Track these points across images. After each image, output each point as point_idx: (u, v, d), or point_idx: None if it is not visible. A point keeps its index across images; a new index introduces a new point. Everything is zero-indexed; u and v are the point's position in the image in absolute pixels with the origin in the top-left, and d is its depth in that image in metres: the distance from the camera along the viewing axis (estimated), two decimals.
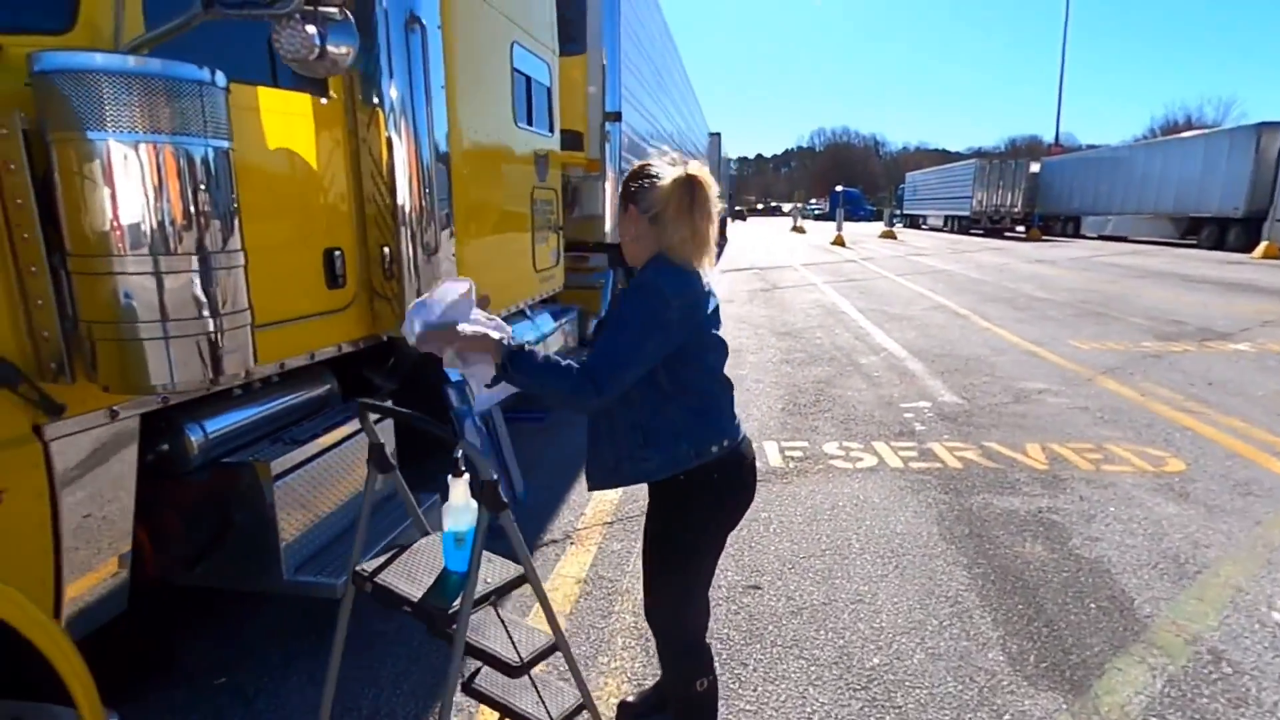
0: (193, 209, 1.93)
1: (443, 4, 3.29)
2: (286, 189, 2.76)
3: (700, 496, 1.93)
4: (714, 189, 1.88)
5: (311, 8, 1.99)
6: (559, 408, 1.87)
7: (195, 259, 1.96)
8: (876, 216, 46.00)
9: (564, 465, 4.73)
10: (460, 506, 1.82)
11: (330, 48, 2.09)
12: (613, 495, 4.22)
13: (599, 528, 3.83)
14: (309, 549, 2.74)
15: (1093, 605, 3.04)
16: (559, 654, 1.95)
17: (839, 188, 58.68)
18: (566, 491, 4.31)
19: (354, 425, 3.05)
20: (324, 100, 2.93)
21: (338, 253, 3.03)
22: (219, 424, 2.65)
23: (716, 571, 2.15)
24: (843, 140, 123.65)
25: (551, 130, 5.11)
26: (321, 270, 2.95)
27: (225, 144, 2.00)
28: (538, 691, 2.09)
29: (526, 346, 1.79)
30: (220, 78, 1.99)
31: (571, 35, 6.63)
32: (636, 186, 1.91)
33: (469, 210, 3.67)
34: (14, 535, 1.87)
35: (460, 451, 1.72)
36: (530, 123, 4.65)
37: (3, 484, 1.82)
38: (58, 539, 1.99)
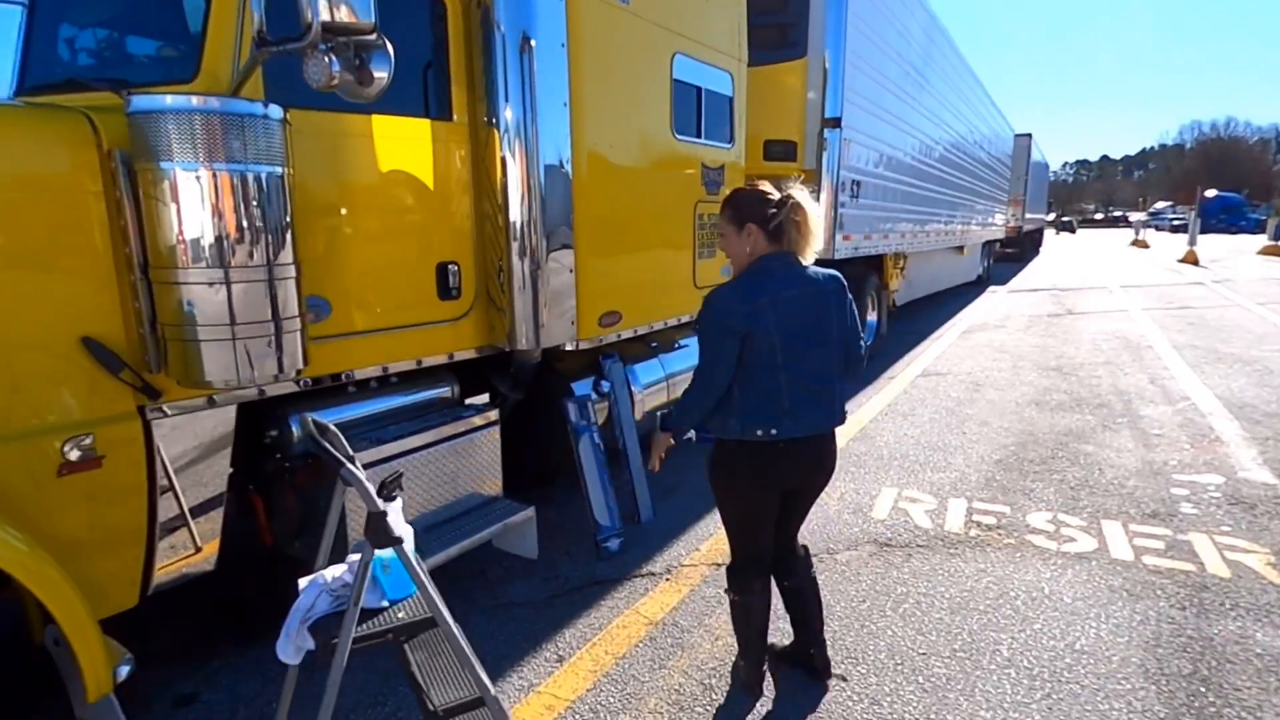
0: (245, 227, 2.17)
1: (571, 22, 3.31)
2: (398, 208, 2.99)
3: (728, 464, 2.39)
4: (815, 209, 2.35)
5: (347, 39, 2.12)
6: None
7: (247, 271, 2.20)
8: (1262, 228, 36.10)
9: (707, 493, 4.46)
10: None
11: (375, 71, 2.21)
12: None
13: (705, 567, 3.53)
14: None
15: None
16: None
17: (1210, 192, 47.42)
18: (695, 523, 4.06)
19: (450, 429, 3.21)
20: (449, 123, 3.13)
21: (452, 267, 3.21)
22: (324, 417, 2.98)
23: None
24: (1228, 134, 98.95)
25: (730, 141, 4.87)
26: (434, 283, 3.15)
27: (277, 169, 2.22)
28: None
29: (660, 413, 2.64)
30: (275, 110, 2.21)
31: (790, 39, 6.30)
32: (755, 205, 2.36)
33: (597, 225, 3.64)
34: (113, 499, 2.27)
35: (363, 475, 1.67)
36: (699, 134, 4.49)
37: (105, 452, 2.24)
38: (152, 505, 2.38)
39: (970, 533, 3.90)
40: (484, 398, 3.93)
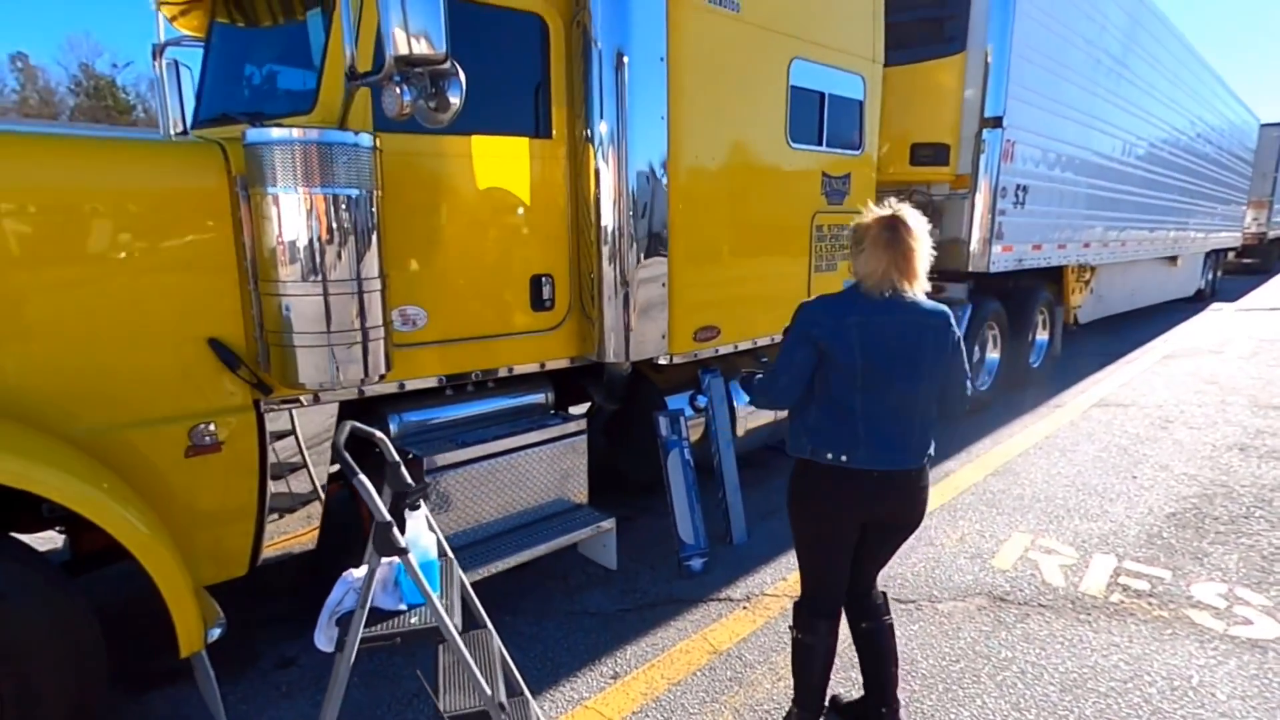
0: (336, 244, 2.40)
1: (672, 35, 3.29)
2: (495, 223, 3.14)
3: (799, 484, 2.32)
4: (920, 225, 2.16)
5: (422, 70, 2.26)
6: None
7: (338, 284, 2.43)
8: None
9: None
10: (411, 540, 1.87)
11: (450, 98, 2.34)
12: None
13: (787, 599, 3.36)
14: (458, 541, 3.08)
15: None
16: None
17: None
18: (789, 549, 3.85)
19: (536, 435, 3.32)
20: (548, 140, 3.24)
21: (547, 279, 3.32)
22: (418, 416, 3.21)
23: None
24: None
25: (860, 147, 4.57)
26: (528, 294, 3.28)
27: (366, 191, 2.42)
28: None
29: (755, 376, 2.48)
30: (365, 139, 2.42)
31: (947, 34, 5.81)
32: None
33: (694, 238, 3.60)
34: (230, 479, 2.61)
35: (368, 482, 1.77)
36: (820, 142, 4.26)
37: (224, 437, 2.58)
38: (262, 487, 2.70)
39: (1111, 597, 3.37)
40: (583, 407, 4.03)
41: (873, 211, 2.20)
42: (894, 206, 2.17)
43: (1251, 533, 4.04)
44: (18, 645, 1.94)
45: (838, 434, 2.17)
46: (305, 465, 2.83)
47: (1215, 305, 14.75)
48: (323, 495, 2.90)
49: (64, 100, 44.01)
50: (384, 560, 1.84)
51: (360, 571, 1.86)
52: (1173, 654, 2.93)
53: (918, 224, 2.15)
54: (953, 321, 2.21)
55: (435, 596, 1.74)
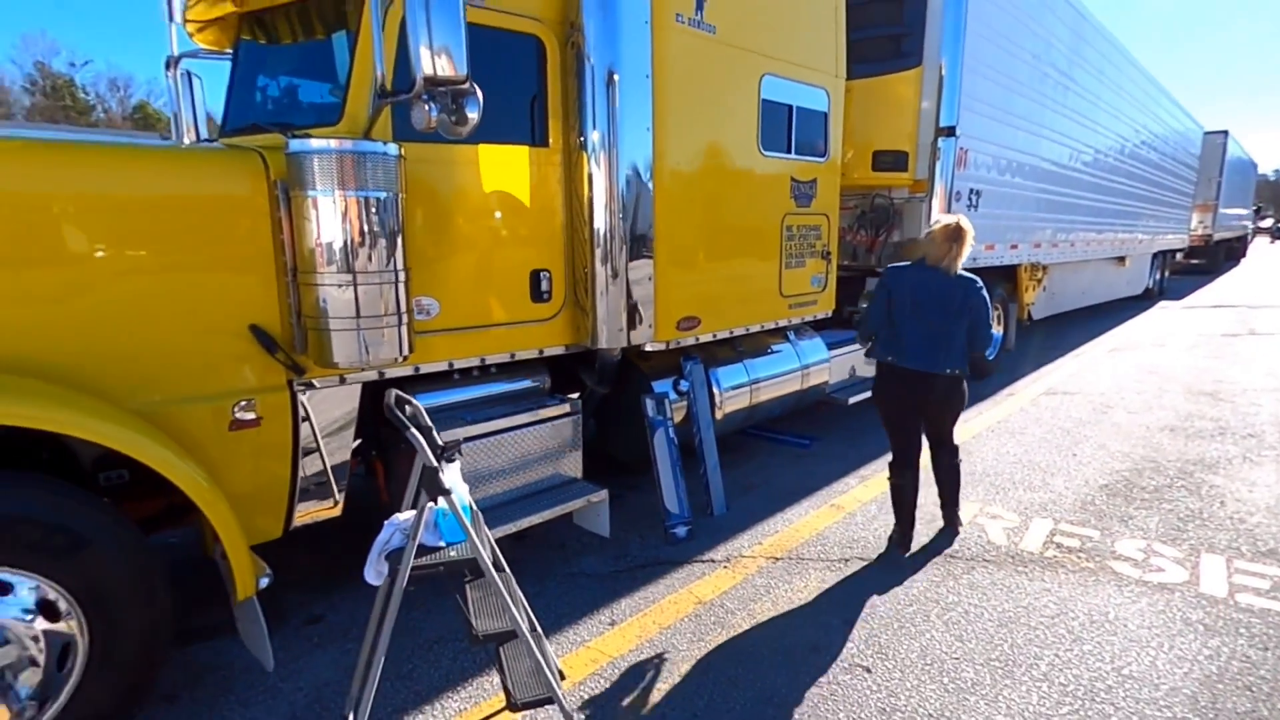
0: (366, 241, 2.74)
1: (656, 55, 3.67)
2: (500, 222, 3.49)
3: (876, 380, 3.93)
4: (970, 232, 3.59)
5: (445, 89, 2.61)
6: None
7: (367, 276, 2.76)
8: None
9: (785, 493, 4.66)
10: (450, 486, 2.21)
11: (468, 113, 2.69)
12: (805, 531, 4.05)
13: (763, 559, 3.76)
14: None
15: None
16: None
17: None
18: (764, 519, 4.28)
19: (534, 415, 3.67)
20: (545, 148, 3.59)
21: (544, 273, 3.68)
22: (430, 398, 3.54)
23: (825, 633, 3.12)
24: None
25: (825, 155, 5.01)
26: (528, 287, 3.63)
27: (392, 194, 2.76)
28: (544, 667, 2.33)
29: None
30: (392, 148, 2.76)
31: (904, 50, 6.29)
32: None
33: (676, 237, 3.98)
34: (266, 452, 2.92)
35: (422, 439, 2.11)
36: (789, 150, 4.69)
37: (263, 414, 2.90)
38: (295, 459, 3.01)
39: (1046, 553, 3.82)
40: (575, 393, 4.38)
41: (945, 218, 3.63)
42: (959, 217, 3.60)
43: (1172, 499, 4.54)
44: (105, 587, 2.24)
45: (892, 345, 3.70)
46: (319, 448, 3.12)
47: (1162, 303, 15.57)
48: (347, 468, 3.22)
49: (18, 100, 43.05)
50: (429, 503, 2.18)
51: (405, 515, 2.20)
52: (1095, 596, 3.38)
53: (969, 230, 3.56)
54: (979, 285, 3.57)
55: (475, 534, 2.09)
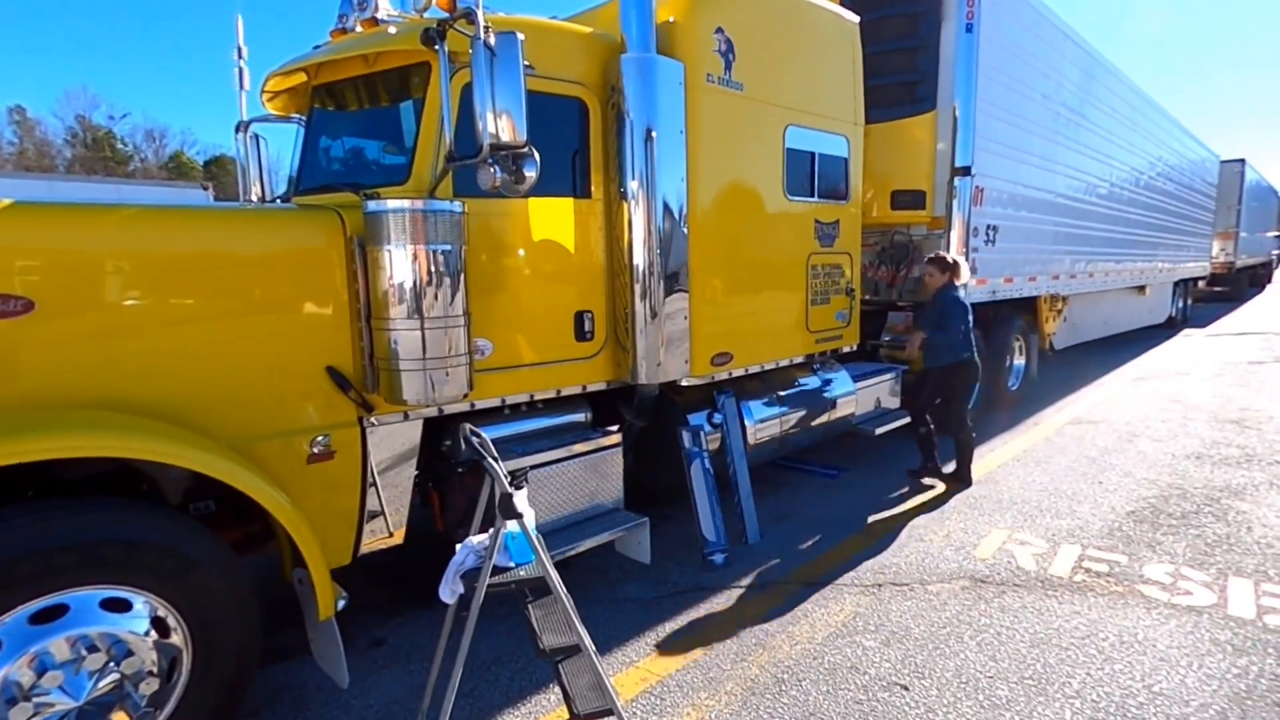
0: (433, 289, 3.01)
1: (690, 112, 3.97)
2: (548, 269, 3.77)
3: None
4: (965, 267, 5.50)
5: (507, 153, 2.90)
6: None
7: (433, 321, 3.03)
8: None
9: (816, 522, 4.81)
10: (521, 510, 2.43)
11: (527, 173, 2.98)
12: (837, 557, 4.20)
13: (798, 585, 3.91)
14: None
15: None
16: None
17: None
18: (799, 545, 4.43)
19: (579, 448, 3.89)
20: (588, 200, 3.88)
21: (588, 314, 3.94)
22: (485, 433, 3.77)
23: (863, 653, 3.26)
24: None
25: (846, 198, 5.27)
26: (572, 327, 3.89)
27: (457, 247, 3.04)
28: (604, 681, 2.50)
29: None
30: (457, 206, 3.05)
31: (918, 95, 6.58)
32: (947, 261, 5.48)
33: (710, 279, 4.24)
34: (338, 483, 3.16)
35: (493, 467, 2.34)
36: (812, 194, 4.95)
37: (337, 448, 3.15)
38: (363, 490, 3.26)
39: (1075, 577, 3.94)
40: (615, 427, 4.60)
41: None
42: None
43: (1199, 525, 4.63)
44: (208, 606, 2.48)
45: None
46: (385, 480, 3.38)
47: (1186, 331, 15.55)
48: (408, 496, 3.46)
49: (60, 151, 45.02)
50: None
51: (478, 538, 2.42)
52: (1124, 618, 3.49)
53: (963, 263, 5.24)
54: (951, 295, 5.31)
55: (544, 554, 2.31)
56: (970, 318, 5.33)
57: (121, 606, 2.32)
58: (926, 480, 5.65)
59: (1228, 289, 22.88)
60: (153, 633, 2.36)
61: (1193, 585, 3.81)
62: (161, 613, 2.40)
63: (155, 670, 2.34)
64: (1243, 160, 20.74)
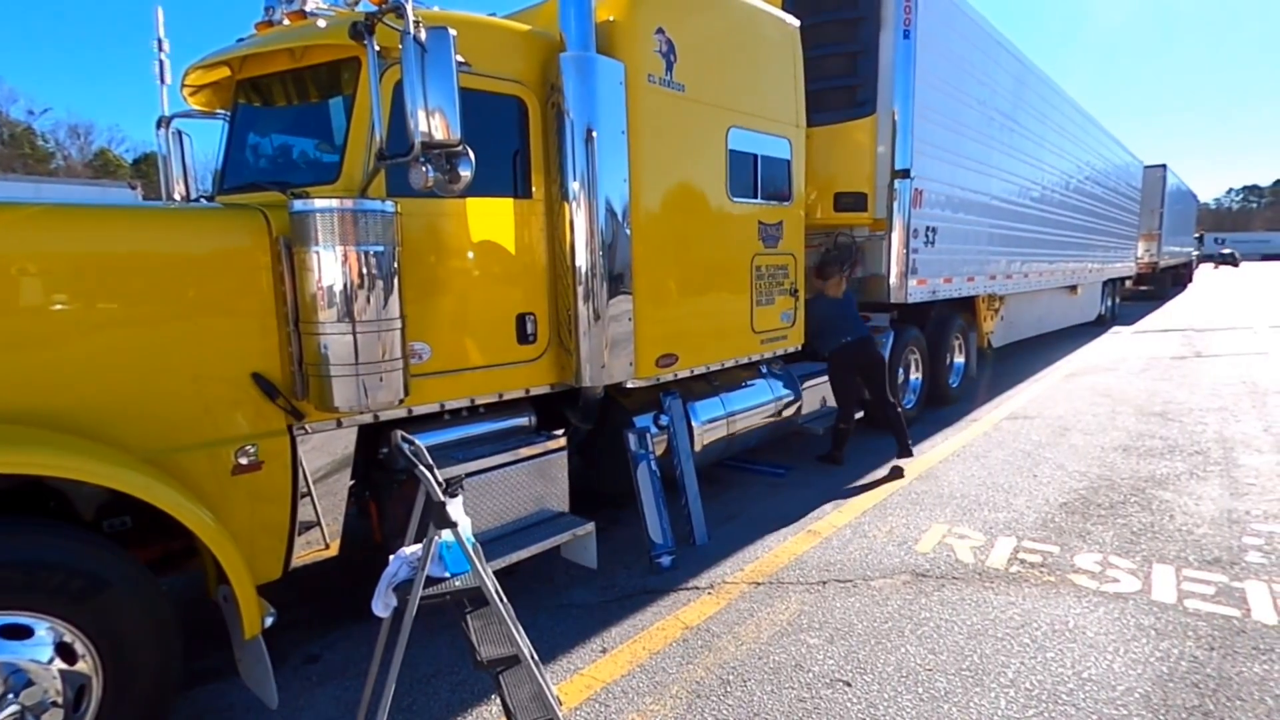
0: (364, 292, 2.90)
1: (631, 112, 3.94)
2: (488, 270, 3.68)
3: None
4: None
5: (440, 151, 2.82)
6: None
7: (365, 324, 2.92)
8: None
9: (764, 521, 4.84)
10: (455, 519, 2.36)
11: (461, 172, 2.91)
12: (784, 556, 4.23)
13: (746, 585, 3.92)
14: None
15: None
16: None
17: None
18: (744, 546, 4.45)
19: (521, 452, 3.82)
20: (529, 200, 3.82)
21: (530, 316, 3.87)
22: (423, 439, 3.66)
23: (807, 651, 3.28)
24: None
25: (789, 199, 5.32)
26: (514, 330, 3.81)
27: (389, 248, 2.94)
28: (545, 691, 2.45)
29: None
30: (389, 206, 2.95)
31: (859, 99, 6.70)
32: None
33: (653, 280, 4.22)
34: (267, 495, 3.03)
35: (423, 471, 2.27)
36: (755, 195, 4.98)
37: (265, 458, 3.01)
38: (294, 501, 3.12)
39: (1010, 569, 4.04)
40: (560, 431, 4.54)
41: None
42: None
43: (1126, 514, 4.82)
44: (120, 629, 2.33)
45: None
46: (318, 490, 3.26)
47: (1115, 329, 16.27)
48: (342, 506, 3.34)
49: None
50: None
51: (411, 549, 2.34)
52: (1056, 607, 3.60)
53: None
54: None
55: (480, 564, 2.24)
56: (846, 310, 6.16)
57: (21, 633, 2.16)
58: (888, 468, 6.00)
59: (1152, 288, 24.04)
60: (57, 660, 2.21)
61: (1120, 573, 3.96)
62: (68, 638, 2.25)
63: (59, 700, 2.19)
64: (1164, 166, 21.82)
